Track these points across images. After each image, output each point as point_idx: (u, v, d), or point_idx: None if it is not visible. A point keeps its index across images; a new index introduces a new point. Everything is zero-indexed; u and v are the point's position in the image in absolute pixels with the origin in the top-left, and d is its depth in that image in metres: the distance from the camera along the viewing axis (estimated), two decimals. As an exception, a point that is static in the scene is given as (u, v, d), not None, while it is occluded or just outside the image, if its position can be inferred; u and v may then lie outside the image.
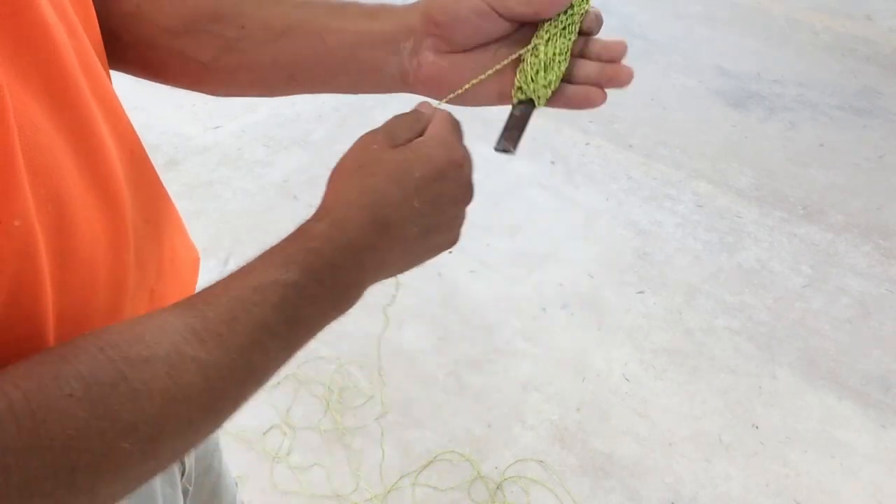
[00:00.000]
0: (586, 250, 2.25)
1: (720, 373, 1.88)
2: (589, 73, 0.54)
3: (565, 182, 2.54)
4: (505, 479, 1.62)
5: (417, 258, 0.50)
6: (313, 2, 0.54)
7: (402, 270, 0.49)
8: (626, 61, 0.55)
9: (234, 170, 2.50)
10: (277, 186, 2.41)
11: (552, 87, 0.53)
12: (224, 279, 0.42)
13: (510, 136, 0.54)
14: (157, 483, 0.57)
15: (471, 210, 0.51)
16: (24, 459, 0.31)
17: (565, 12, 0.52)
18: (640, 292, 2.10)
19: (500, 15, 0.51)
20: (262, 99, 2.87)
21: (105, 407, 0.34)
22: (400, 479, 1.60)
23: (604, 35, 0.56)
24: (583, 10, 0.52)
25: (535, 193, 2.47)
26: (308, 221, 0.46)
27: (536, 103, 0.53)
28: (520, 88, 0.53)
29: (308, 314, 0.43)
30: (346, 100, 2.87)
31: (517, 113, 0.54)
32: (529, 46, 0.52)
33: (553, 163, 2.63)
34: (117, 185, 0.43)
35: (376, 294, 2.05)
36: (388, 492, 1.58)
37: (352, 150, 0.49)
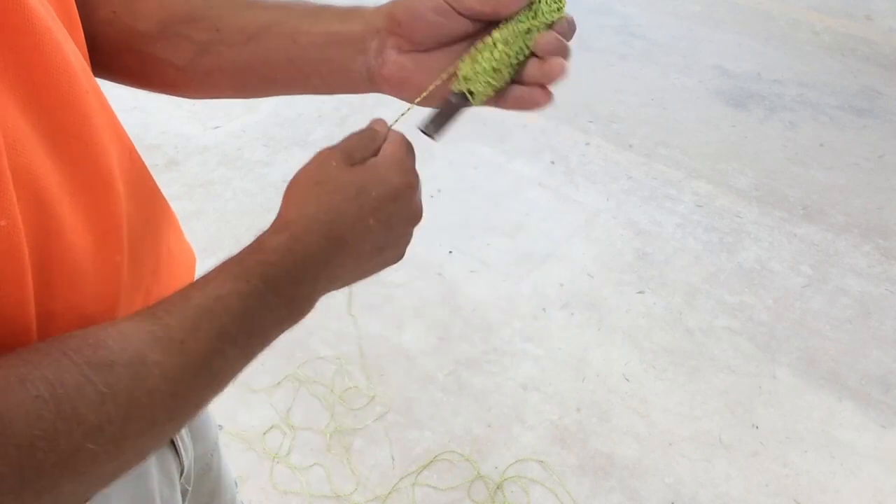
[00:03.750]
0: (586, 250, 2.25)
1: (720, 373, 1.88)
2: (535, 73, 0.52)
3: (565, 182, 2.54)
4: (505, 479, 1.62)
5: (366, 272, 0.53)
6: (284, 4, 0.55)
7: (351, 283, 0.52)
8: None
9: (234, 170, 2.50)
10: (277, 186, 2.40)
11: (493, 89, 0.51)
12: (182, 289, 0.43)
13: (436, 123, 0.54)
14: (156, 483, 0.57)
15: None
16: None
17: (530, 15, 0.49)
18: (640, 292, 2.10)
19: (460, 13, 0.50)
20: (262, 99, 2.87)
21: (71, 408, 0.34)
22: (400, 479, 1.60)
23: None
24: (551, 19, 0.50)
25: (535, 193, 2.47)
26: (266, 234, 0.47)
27: (472, 101, 0.53)
28: (465, 78, 0.52)
29: (266, 324, 0.44)
30: (347, 100, 2.87)
31: (453, 101, 0.53)
32: (483, 42, 0.50)
33: (553, 163, 2.63)
34: (113, 187, 0.44)
35: (375, 294, 2.06)
36: (389, 493, 1.58)
37: (310, 165, 0.51)
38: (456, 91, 0.52)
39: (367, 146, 0.52)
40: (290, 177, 0.51)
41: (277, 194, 0.50)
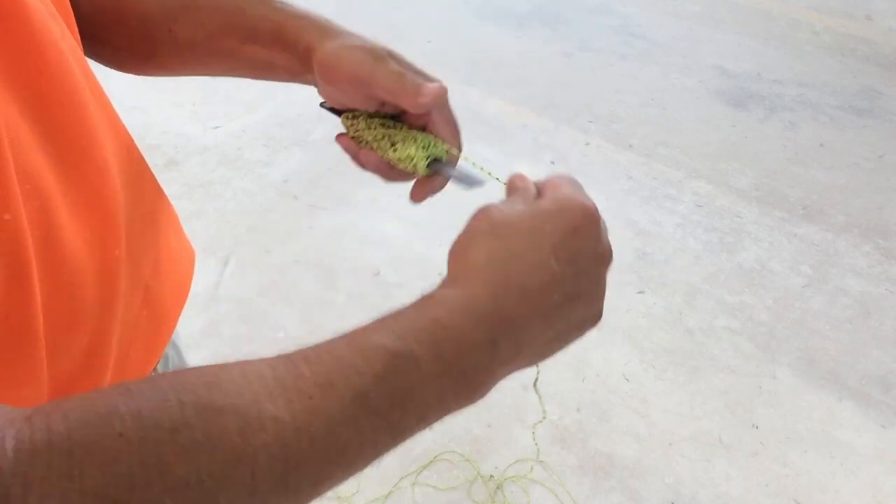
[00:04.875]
0: (586, 250, 2.24)
1: (720, 373, 1.88)
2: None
3: (565, 182, 2.54)
4: (505, 479, 1.62)
5: (560, 337, 0.43)
6: (232, 15, 0.56)
7: (542, 355, 0.43)
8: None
9: (234, 170, 2.50)
10: (277, 186, 2.40)
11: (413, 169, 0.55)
12: (336, 337, 0.37)
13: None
14: None
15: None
16: (47, 502, 0.28)
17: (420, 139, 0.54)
18: (640, 292, 2.10)
19: (369, 95, 0.53)
20: (262, 99, 2.88)
21: (158, 456, 0.30)
22: (400, 479, 1.60)
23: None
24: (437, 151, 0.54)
25: (535, 193, 2.47)
26: (435, 289, 0.40)
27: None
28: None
29: (419, 395, 0.36)
30: (346, 100, 2.86)
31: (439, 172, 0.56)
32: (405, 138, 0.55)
33: (553, 163, 2.63)
34: (110, 183, 0.44)
35: (375, 295, 2.06)
36: (389, 493, 1.58)
37: (470, 220, 0.44)
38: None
39: (524, 191, 0.46)
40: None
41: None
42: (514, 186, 0.47)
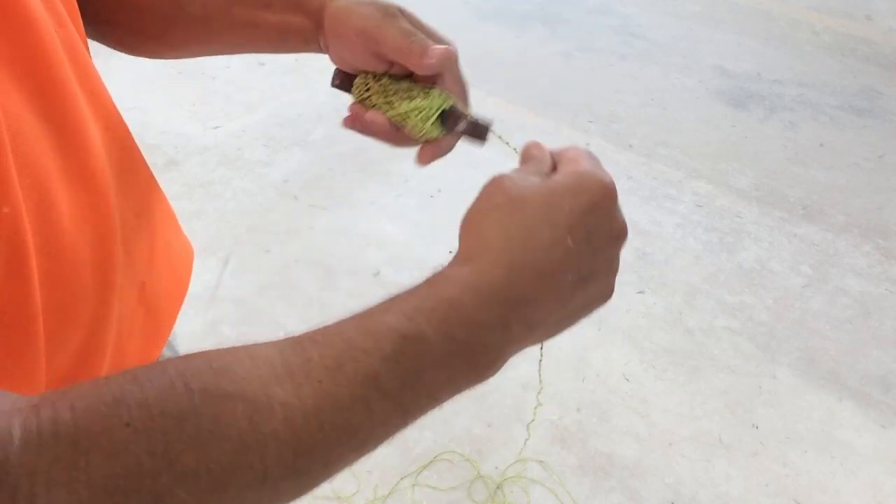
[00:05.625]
0: (586, 250, 2.24)
1: (720, 373, 1.88)
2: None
3: (565, 182, 2.54)
4: (505, 479, 1.62)
5: (571, 315, 0.41)
6: None
7: (552, 333, 0.41)
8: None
9: (234, 170, 2.50)
10: (277, 186, 2.40)
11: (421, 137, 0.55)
12: (344, 318, 0.37)
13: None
14: None
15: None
16: (54, 493, 0.27)
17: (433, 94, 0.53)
18: (640, 292, 2.10)
19: (375, 52, 0.53)
20: (262, 99, 2.88)
21: (165, 444, 0.29)
22: (400, 479, 1.60)
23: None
24: (440, 104, 0.53)
25: (535, 193, 2.47)
26: (446, 266, 0.39)
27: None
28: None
29: (431, 376, 0.36)
30: (346, 99, 2.86)
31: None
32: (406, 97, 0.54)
33: (553, 163, 2.63)
34: (102, 176, 0.44)
35: (376, 295, 2.05)
36: (389, 493, 1.58)
37: (483, 192, 0.43)
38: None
39: (539, 161, 0.45)
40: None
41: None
42: (528, 154, 0.46)
